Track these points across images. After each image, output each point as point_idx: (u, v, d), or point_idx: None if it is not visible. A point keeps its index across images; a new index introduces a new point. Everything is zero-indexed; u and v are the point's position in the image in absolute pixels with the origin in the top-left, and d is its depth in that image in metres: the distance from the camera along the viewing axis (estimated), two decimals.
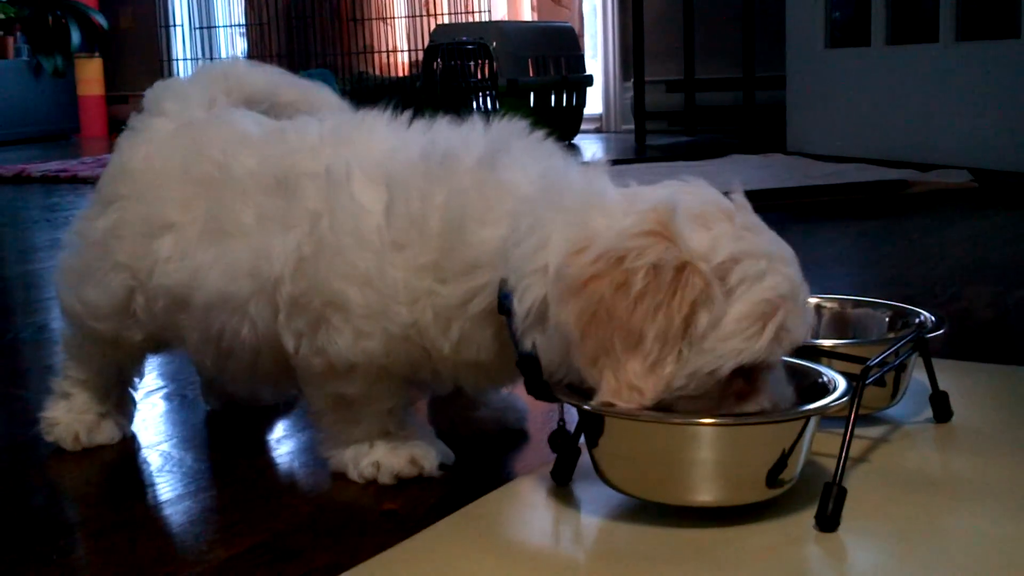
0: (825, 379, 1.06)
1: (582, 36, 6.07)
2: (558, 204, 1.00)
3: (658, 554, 0.93)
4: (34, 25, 6.97)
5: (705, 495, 0.97)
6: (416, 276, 1.03)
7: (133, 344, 1.25)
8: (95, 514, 1.10)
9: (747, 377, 0.97)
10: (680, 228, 0.94)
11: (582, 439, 1.04)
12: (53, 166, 4.82)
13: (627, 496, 1.01)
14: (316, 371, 1.09)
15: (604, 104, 6.09)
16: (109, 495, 1.16)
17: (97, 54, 7.26)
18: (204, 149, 1.18)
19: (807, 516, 0.97)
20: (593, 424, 1.00)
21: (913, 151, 3.82)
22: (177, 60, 7.03)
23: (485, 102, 5.11)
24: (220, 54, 7.06)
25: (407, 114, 1.15)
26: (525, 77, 5.08)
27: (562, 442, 1.07)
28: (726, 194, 1.01)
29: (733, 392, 0.97)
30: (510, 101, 4.88)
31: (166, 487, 1.15)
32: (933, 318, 1.26)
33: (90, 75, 7.20)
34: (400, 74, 6.31)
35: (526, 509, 1.05)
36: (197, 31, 7.22)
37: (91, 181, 3.87)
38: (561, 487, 1.07)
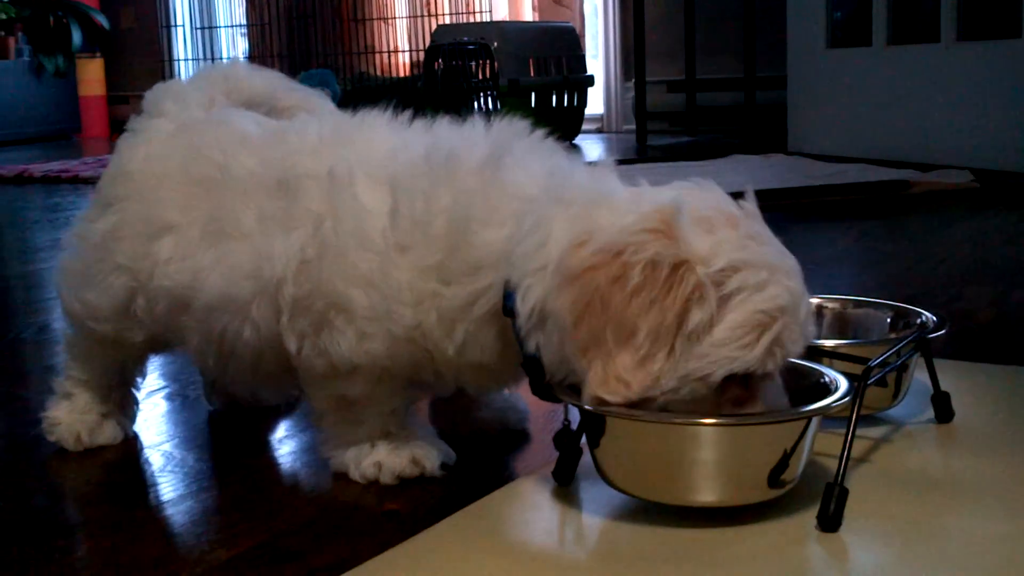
0: (827, 379, 1.06)
1: (583, 36, 6.07)
2: (562, 203, 1.00)
3: (660, 554, 0.93)
4: (35, 25, 6.97)
5: (707, 495, 0.97)
6: (420, 278, 1.03)
7: (134, 345, 1.25)
8: (96, 514, 1.10)
9: (743, 384, 0.97)
10: (683, 229, 0.94)
11: (583, 439, 1.04)
12: (54, 166, 4.83)
13: (629, 496, 1.01)
14: (318, 372, 1.09)
15: (605, 104, 6.09)
16: (110, 495, 1.16)
17: (98, 54, 7.27)
18: (204, 150, 1.18)
19: (809, 516, 0.97)
20: (595, 424, 1.00)
21: (914, 151, 3.82)
22: (178, 60, 7.03)
23: (486, 102, 5.11)
24: (221, 54, 7.06)
25: (408, 114, 1.15)
26: (526, 77, 5.08)
27: (567, 441, 1.07)
28: (736, 197, 1.01)
29: (728, 399, 0.97)
30: (511, 101, 4.88)
31: (167, 487, 1.15)
32: (934, 318, 1.26)
33: (91, 75, 7.21)
34: (401, 74, 6.31)
35: (528, 509, 1.05)
36: (198, 31, 7.22)
37: (92, 181, 3.87)
38: (563, 487, 1.07)
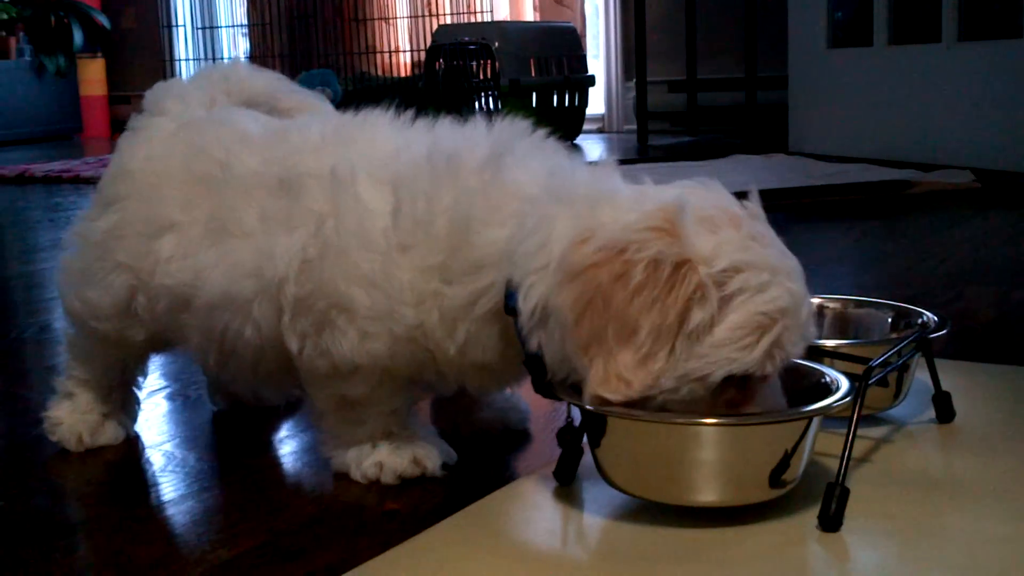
0: (828, 379, 1.06)
1: (584, 36, 6.08)
2: (564, 202, 1.00)
3: (660, 554, 0.93)
4: (36, 25, 6.97)
5: (708, 495, 0.97)
6: (422, 277, 1.03)
7: (136, 344, 1.25)
8: (97, 514, 1.10)
9: (740, 386, 0.97)
10: (686, 228, 0.94)
11: (584, 439, 1.04)
12: (55, 166, 4.83)
13: (630, 496, 1.01)
14: (320, 372, 1.09)
15: (606, 104, 6.09)
16: (111, 495, 1.16)
17: (99, 54, 7.27)
18: (206, 148, 1.18)
19: (810, 516, 0.97)
20: (596, 424, 1.00)
21: (915, 151, 3.81)
22: (179, 60, 7.04)
23: (487, 102, 5.11)
24: (222, 54, 7.06)
25: (409, 114, 1.15)
26: (527, 77, 5.08)
27: (571, 439, 1.07)
28: (740, 197, 1.01)
29: (724, 400, 0.97)
30: (512, 101, 4.88)
31: (169, 487, 1.16)
32: (935, 318, 1.26)
33: (92, 75, 7.21)
34: (402, 74, 6.31)
35: (529, 509, 1.05)
36: (199, 31, 7.22)
37: (93, 181, 3.87)
38: (564, 487, 1.07)
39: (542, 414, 1.30)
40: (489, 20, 5.94)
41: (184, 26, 7.27)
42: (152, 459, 1.25)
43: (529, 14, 6.34)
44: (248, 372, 1.16)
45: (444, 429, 1.21)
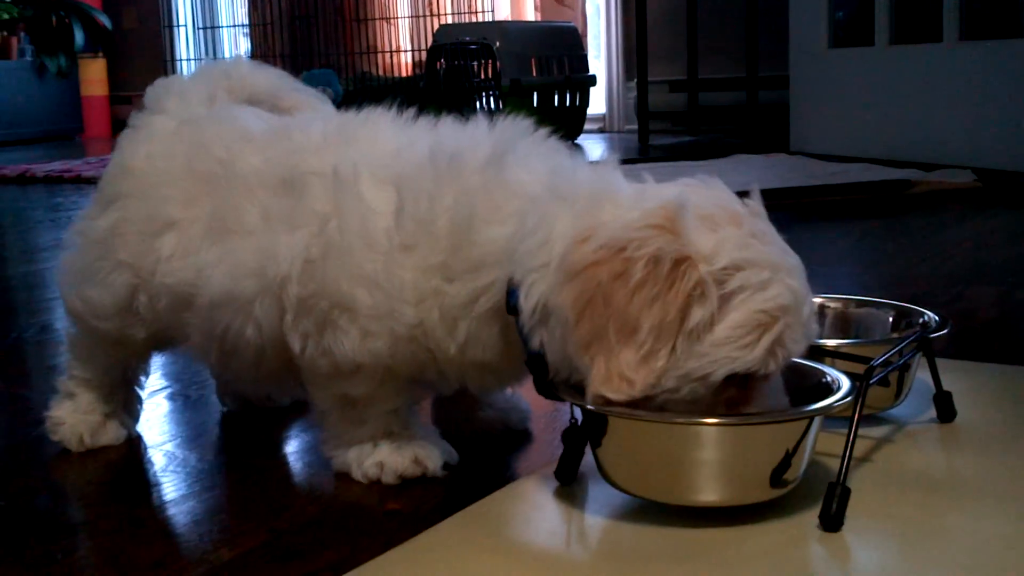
0: (829, 379, 1.06)
1: (585, 36, 6.08)
2: (565, 201, 0.99)
3: (661, 554, 0.93)
4: (38, 25, 6.98)
5: (709, 495, 0.97)
6: (424, 276, 1.03)
7: (137, 343, 1.24)
8: (99, 514, 1.10)
9: (741, 385, 0.97)
10: (686, 225, 0.94)
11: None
12: (57, 166, 4.83)
13: (630, 496, 1.01)
14: (321, 371, 1.09)
15: (607, 104, 6.09)
16: (113, 495, 1.16)
17: (101, 54, 7.27)
18: (207, 146, 1.18)
19: (811, 516, 0.97)
20: (597, 424, 1.00)
21: (917, 151, 3.81)
22: (181, 60, 7.04)
23: (488, 102, 5.12)
24: (224, 54, 7.07)
25: (411, 112, 1.15)
26: (528, 77, 5.08)
27: (575, 438, 1.07)
28: (741, 196, 1.01)
29: (725, 399, 0.97)
30: (513, 101, 4.88)
31: (170, 487, 1.15)
32: (937, 318, 1.26)
33: (94, 75, 7.21)
34: (403, 74, 6.31)
35: (530, 509, 1.05)
36: (200, 31, 7.22)
37: (94, 181, 3.87)
38: (565, 487, 1.07)
39: (543, 414, 1.30)
40: (490, 20, 5.94)
41: (185, 26, 7.28)
42: (153, 459, 1.25)
43: (530, 14, 6.34)
44: (249, 371, 1.16)
45: (445, 429, 1.21)
